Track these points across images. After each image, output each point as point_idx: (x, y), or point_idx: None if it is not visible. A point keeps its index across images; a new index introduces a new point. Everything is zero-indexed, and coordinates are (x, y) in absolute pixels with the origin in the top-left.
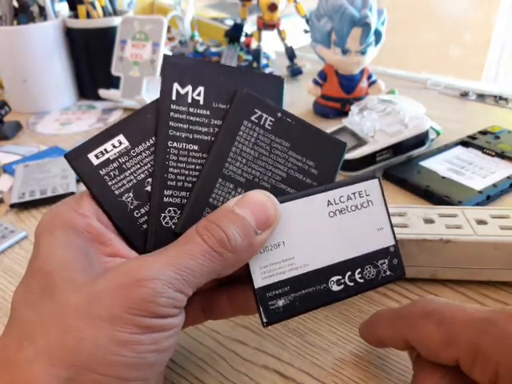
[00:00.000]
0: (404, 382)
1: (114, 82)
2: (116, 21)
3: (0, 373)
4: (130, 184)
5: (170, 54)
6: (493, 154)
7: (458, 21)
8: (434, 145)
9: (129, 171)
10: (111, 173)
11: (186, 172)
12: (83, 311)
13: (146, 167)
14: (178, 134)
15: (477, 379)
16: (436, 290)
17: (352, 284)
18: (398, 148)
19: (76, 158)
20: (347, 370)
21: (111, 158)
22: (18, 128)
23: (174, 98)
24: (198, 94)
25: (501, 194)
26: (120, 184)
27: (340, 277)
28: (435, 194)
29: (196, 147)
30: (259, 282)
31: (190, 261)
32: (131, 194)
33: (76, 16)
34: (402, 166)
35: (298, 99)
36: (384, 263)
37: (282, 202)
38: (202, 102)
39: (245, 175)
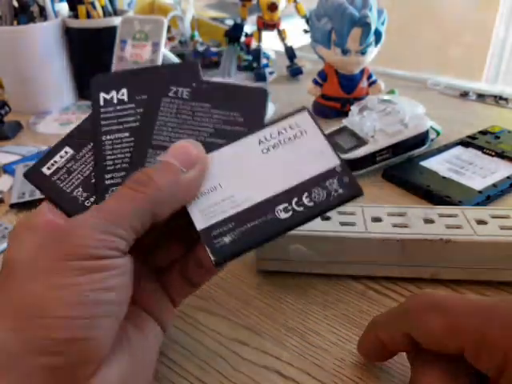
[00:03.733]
0: (404, 382)
1: None
2: (116, 21)
3: None
4: (79, 181)
5: (170, 54)
6: (493, 153)
7: (458, 21)
8: (434, 145)
9: (76, 172)
10: (61, 177)
11: (122, 155)
12: (25, 269)
13: (90, 165)
14: (109, 128)
15: (483, 368)
16: (436, 290)
17: (301, 209)
18: (398, 148)
19: (32, 174)
20: (347, 370)
21: (60, 166)
22: (18, 128)
23: (102, 103)
24: (123, 94)
25: (501, 194)
26: (70, 183)
27: (286, 204)
28: (435, 194)
29: (127, 134)
30: (201, 224)
31: (112, 204)
32: (80, 189)
33: (76, 16)
34: (402, 166)
35: (298, 99)
36: (333, 183)
37: (209, 152)
38: (126, 99)
39: (173, 140)
